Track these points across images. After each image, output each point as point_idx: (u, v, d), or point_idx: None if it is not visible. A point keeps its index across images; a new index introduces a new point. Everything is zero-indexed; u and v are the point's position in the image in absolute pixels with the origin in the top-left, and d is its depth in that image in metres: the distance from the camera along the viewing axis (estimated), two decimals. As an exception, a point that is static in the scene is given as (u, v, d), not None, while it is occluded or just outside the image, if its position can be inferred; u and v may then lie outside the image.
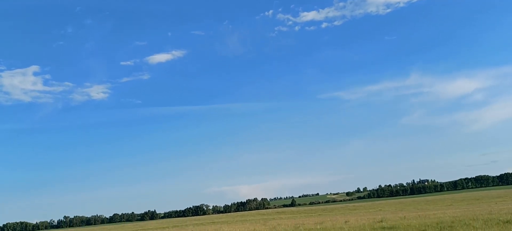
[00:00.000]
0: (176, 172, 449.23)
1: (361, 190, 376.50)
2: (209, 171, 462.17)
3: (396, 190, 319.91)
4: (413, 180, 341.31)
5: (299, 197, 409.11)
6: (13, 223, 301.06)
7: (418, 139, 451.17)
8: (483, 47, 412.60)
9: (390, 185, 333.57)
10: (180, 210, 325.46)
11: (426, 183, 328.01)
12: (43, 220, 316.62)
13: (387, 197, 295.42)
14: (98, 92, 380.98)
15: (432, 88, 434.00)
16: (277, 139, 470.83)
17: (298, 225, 38.00)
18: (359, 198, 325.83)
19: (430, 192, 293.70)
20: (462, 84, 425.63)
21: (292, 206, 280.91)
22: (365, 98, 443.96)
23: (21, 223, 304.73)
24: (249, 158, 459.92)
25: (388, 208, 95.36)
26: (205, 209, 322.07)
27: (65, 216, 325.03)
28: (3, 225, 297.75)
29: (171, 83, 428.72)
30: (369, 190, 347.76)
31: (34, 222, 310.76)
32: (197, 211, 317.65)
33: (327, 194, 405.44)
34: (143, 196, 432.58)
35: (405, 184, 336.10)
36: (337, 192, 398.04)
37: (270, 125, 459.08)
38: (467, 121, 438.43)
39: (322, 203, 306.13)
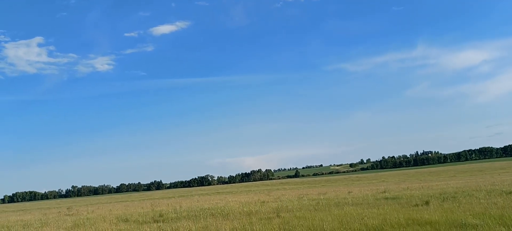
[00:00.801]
0: (181, 143, 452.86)
1: (365, 161, 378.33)
2: (213, 142, 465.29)
3: (399, 162, 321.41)
4: (417, 152, 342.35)
5: (303, 168, 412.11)
6: (22, 192, 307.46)
7: (422, 111, 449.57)
8: (492, 18, 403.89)
9: (393, 157, 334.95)
10: (185, 181, 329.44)
11: (430, 155, 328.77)
12: (52, 190, 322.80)
13: (390, 168, 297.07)
14: (102, 64, 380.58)
15: (438, 60, 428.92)
16: (281, 110, 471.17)
17: (301, 196, 38.42)
18: (362, 169, 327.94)
19: (433, 164, 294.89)
20: (469, 56, 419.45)
21: (296, 177, 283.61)
22: (370, 70, 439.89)
23: (30, 192, 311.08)
24: (253, 129, 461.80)
25: (391, 179, 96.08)
26: (210, 179, 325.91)
27: (73, 185, 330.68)
28: (12, 194, 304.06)
29: (175, 55, 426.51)
30: (373, 162, 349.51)
31: (43, 192, 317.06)
32: (202, 181, 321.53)
33: (330, 165, 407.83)
34: (149, 167, 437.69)
35: (408, 156, 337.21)
36: (340, 163, 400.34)
37: (274, 97, 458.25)
38: (473, 93, 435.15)
39: (325, 174, 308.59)
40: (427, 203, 20.22)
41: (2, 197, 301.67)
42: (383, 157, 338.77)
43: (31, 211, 57.00)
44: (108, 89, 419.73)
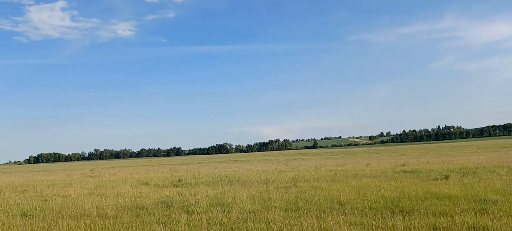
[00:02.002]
0: (200, 111, 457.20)
1: (384, 134, 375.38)
2: (232, 111, 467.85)
3: (420, 135, 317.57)
4: (439, 126, 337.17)
5: (321, 139, 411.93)
6: (47, 154, 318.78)
7: (446, 84, 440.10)
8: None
9: (414, 130, 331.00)
10: (204, 148, 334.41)
11: (452, 129, 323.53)
12: (75, 152, 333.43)
13: (410, 142, 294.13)
14: (124, 29, 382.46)
15: (466, 33, 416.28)
16: (301, 81, 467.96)
17: (319, 166, 38.49)
18: (382, 142, 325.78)
19: (455, 139, 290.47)
20: (498, 29, 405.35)
21: (314, 148, 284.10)
22: (395, 42, 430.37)
23: (55, 153, 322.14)
24: (272, 99, 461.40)
25: (411, 153, 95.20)
26: (228, 147, 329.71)
27: (95, 149, 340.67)
28: (37, 155, 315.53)
29: (196, 22, 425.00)
30: (393, 135, 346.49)
31: (67, 154, 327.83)
32: (221, 149, 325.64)
33: (349, 137, 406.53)
34: (169, 133, 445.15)
35: (429, 130, 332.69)
36: (359, 135, 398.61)
37: (295, 67, 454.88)
38: (501, 67, 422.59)
39: (344, 146, 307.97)
40: (446, 177, 19.95)
41: (28, 158, 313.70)
42: (403, 131, 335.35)
43: (55, 172, 58.96)
44: (129, 55, 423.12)
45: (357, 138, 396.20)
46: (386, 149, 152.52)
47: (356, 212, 11.66)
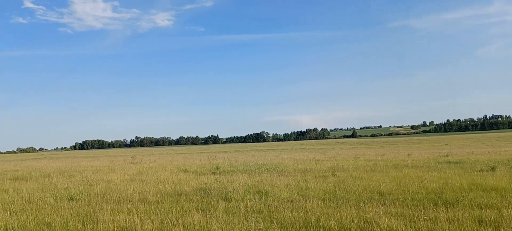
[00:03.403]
0: (238, 99, 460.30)
1: (427, 123, 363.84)
2: (270, 99, 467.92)
3: (465, 125, 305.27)
4: (485, 115, 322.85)
5: (360, 128, 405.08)
6: (91, 141, 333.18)
7: (494, 72, 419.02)
8: None
9: (458, 120, 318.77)
10: (241, 136, 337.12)
11: (499, 119, 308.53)
12: (117, 139, 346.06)
13: (455, 132, 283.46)
14: (163, 19, 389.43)
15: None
16: (340, 69, 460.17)
17: (358, 156, 37.84)
18: (424, 132, 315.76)
19: (503, 129, 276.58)
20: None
21: (353, 137, 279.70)
22: (439, 28, 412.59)
23: (98, 140, 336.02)
24: (310, 88, 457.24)
25: (455, 142, 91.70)
26: (265, 136, 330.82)
27: (136, 136, 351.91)
28: (82, 142, 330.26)
29: (233, 11, 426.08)
30: (436, 124, 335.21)
31: (109, 141, 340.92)
32: (258, 138, 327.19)
33: (390, 126, 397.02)
34: (207, 121, 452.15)
35: (475, 119, 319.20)
36: (401, 125, 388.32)
37: (333, 55, 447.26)
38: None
39: (384, 135, 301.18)
40: (493, 168, 19.05)
41: (74, 144, 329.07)
42: (447, 120, 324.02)
43: (99, 158, 61.36)
44: (168, 44, 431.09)
45: (398, 127, 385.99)
46: (429, 138, 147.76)
47: (397, 203, 11.35)
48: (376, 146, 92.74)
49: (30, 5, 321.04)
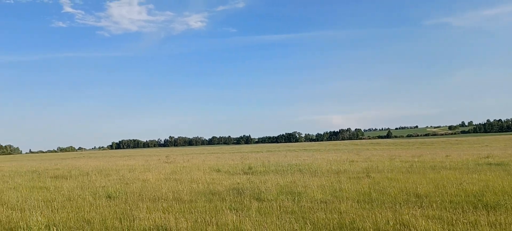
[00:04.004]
0: (269, 99, 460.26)
1: (466, 124, 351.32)
2: (302, 99, 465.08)
3: (506, 125, 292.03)
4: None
5: (396, 129, 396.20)
6: (127, 140, 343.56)
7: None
8: None
9: (500, 120, 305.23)
10: (273, 136, 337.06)
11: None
12: (152, 139, 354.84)
13: (495, 132, 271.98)
14: (196, 21, 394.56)
15: None
16: (373, 68, 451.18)
17: (393, 157, 36.99)
18: (462, 132, 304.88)
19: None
20: None
21: (388, 138, 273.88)
22: (478, 25, 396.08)
23: (134, 140, 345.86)
24: (343, 87, 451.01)
25: (496, 144, 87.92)
26: (297, 136, 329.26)
27: (170, 136, 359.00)
28: (119, 141, 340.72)
29: (265, 11, 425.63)
30: (475, 124, 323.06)
31: (144, 140, 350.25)
32: (290, 138, 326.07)
33: (427, 127, 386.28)
34: (239, 121, 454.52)
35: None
36: (438, 125, 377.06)
37: (366, 53, 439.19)
38: None
39: (421, 136, 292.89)
40: (539, 172, 18.15)
41: (111, 144, 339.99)
42: (487, 120, 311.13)
43: (135, 157, 62.91)
44: (200, 45, 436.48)
45: (435, 127, 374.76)
46: (468, 139, 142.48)
47: (434, 205, 11.01)
48: (412, 146, 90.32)
49: (69, 9, 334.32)
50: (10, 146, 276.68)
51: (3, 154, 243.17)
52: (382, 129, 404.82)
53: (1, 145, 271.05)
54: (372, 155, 45.31)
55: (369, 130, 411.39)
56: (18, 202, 14.01)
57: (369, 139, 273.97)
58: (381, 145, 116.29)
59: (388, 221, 9.25)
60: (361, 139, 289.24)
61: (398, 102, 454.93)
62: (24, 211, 12.02)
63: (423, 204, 11.26)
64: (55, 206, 12.86)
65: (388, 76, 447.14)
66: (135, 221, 10.09)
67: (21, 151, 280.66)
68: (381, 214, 9.90)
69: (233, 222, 9.58)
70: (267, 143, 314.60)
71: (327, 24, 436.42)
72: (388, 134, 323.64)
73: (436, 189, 13.73)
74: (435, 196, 12.48)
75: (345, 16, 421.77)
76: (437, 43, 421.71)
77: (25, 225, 9.96)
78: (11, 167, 42.53)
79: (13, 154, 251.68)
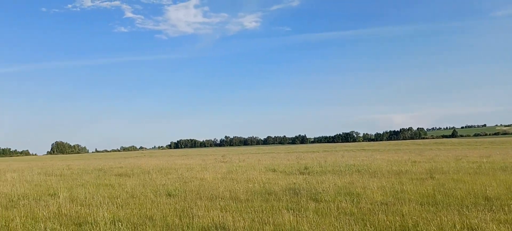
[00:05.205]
0: (326, 98, 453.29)
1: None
2: (360, 97, 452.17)
3: None
4: None
5: (462, 128, 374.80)
6: (185, 140, 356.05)
7: None
8: None
9: None
10: (329, 136, 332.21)
11: None
12: (208, 139, 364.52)
13: None
14: (250, 21, 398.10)
15: None
16: (436, 64, 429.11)
17: (459, 157, 34.97)
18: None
19: None
20: None
21: (453, 137, 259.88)
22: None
23: (191, 140, 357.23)
24: (403, 84, 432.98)
25: None
26: (355, 136, 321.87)
27: (226, 136, 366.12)
28: (177, 141, 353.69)
29: (320, 8, 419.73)
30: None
31: (201, 140, 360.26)
32: (347, 137, 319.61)
33: (496, 125, 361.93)
34: (294, 121, 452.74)
35: None
36: (509, 123, 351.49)
37: (427, 49, 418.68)
38: None
39: (489, 135, 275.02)
40: None
41: (169, 143, 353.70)
42: None
43: (192, 157, 64.70)
44: (255, 45, 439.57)
45: (506, 126, 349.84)
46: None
47: (506, 209, 10.22)
48: (480, 146, 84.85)
49: (130, 15, 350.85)
50: (78, 146, 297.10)
51: (72, 153, 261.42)
52: (446, 127, 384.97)
53: (70, 145, 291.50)
54: (435, 155, 43.13)
55: (432, 129, 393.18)
56: (86, 198, 14.87)
57: (433, 138, 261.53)
58: (446, 144, 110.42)
59: (454, 224, 8.72)
60: (423, 138, 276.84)
61: (464, 99, 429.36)
62: (91, 207, 12.72)
63: (494, 207, 10.50)
64: (119, 203, 13.48)
65: (453, 72, 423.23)
66: (194, 219, 10.30)
67: (88, 150, 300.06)
68: (446, 217, 9.35)
69: (290, 222, 9.48)
70: (323, 142, 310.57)
71: (387, 19, 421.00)
72: (453, 133, 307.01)
73: (508, 192, 12.77)
74: (507, 199, 11.61)
75: (406, 10, 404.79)
76: (507, 36, 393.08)
77: (92, 220, 10.52)
78: (79, 165, 45.44)
79: (80, 153, 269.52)
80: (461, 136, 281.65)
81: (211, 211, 11.34)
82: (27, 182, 22.74)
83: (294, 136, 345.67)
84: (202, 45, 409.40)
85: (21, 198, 15.68)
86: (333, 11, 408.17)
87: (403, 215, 9.96)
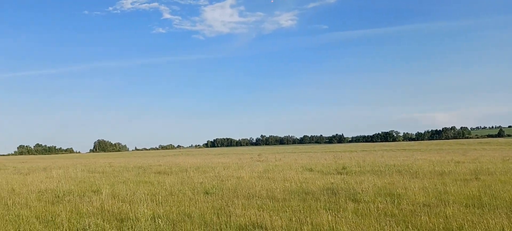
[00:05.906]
0: (364, 97, 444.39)
1: None
2: (399, 95, 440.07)
3: None
4: None
5: (509, 127, 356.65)
6: (221, 139, 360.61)
7: None
8: None
9: None
10: (368, 135, 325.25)
11: None
12: (244, 138, 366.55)
13: None
14: (286, 20, 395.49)
15: None
16: (481, 60, 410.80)
17: (507, 158, 33.31)
18: None
19: None
20: None
21: (500, 137, 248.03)
22: None
23: (227, 139, 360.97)
24: (447, 81, 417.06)
25: None
26: (394, 135, 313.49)
27: (262, 135, 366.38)
28: (213, 140, 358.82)
29: (358, 5, 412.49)
30: None
31: (237, 139, 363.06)
32: (386, 137, 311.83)
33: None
34: (331, 120, 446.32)
35: None
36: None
37: (472, 45, 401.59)
38: None
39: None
40: None
41: (206, 142, 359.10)
42: None
43: (228, 156, 65.23)
44: (291, 44, 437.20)
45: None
46: None
47: (561, 214, 9.58)
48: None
49: (168, 16, 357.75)
50: (119, 144, 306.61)
51: (113, 151, 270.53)
52: (492, 127, 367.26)
53: (111, 143, 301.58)
54: (481, 155, 41.30)
55: (477, 128, 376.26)
56: (127, 195, 15.29)
57: (477, 138, 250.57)
58: (492, 144, 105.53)
59: (503, 228, 8.29)
60: (467, 138, 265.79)
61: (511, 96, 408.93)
62: (132, 203, 13.06)
63: (548, 211, 9.87)
64: (159, 200, 13.76)
65: (499, 67, 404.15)
66: (232, 217, 10.34)
67: (128, 148, 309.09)
68: (494, 221, 8.89)
69: (329, 222, 9.32)
70: (361, 142, 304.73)
71: (430, 15, 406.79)
72: (500, 133, 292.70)
73: None
74: (563, 203, 10.89)
75: (451, 6, 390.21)
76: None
77: (133, 216, 10.80)
78: (120, 163, 46.90)
79: (121, 151, 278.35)
80: (508, 135, 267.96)
81: (248, 209, 11.35)
82: (72, 179, 23.72)
83: (331, 135, 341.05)
84: (238, 44, 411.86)
85: (66, 194, 16.35)
86: (373, 7, 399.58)
87: (447, 217, 9.57)
